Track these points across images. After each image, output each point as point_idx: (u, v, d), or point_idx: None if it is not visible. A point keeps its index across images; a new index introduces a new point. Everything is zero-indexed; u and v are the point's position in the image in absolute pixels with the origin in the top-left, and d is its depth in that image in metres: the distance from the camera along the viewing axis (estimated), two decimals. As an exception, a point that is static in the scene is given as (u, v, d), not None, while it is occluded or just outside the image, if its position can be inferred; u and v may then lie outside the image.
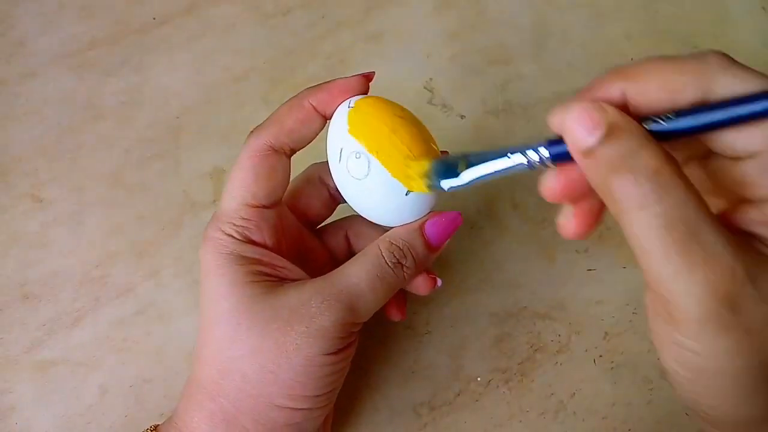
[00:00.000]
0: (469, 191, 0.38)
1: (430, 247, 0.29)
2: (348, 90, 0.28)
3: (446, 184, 0.26)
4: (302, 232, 0.31)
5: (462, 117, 0.40)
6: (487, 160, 0.24)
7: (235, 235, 0.27)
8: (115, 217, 0.37)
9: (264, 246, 0.28)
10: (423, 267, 0.29)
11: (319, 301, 0.26)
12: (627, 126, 0.20)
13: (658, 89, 0.21)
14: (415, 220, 0.29)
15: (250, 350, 0.26)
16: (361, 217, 0.31)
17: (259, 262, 0.27)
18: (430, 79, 0.42)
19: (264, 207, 0.28)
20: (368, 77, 0.29)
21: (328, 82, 0.29)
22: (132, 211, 0.38)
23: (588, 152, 0.20)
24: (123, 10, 0.43)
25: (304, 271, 0.29)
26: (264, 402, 0.26)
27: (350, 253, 0.32)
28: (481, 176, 0.24)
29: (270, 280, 0.27)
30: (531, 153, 0.22)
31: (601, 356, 0.34)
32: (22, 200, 0.38)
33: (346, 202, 0.30)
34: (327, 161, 0.29)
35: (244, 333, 0.26)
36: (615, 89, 0.21)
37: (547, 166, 0.22)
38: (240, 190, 0.28)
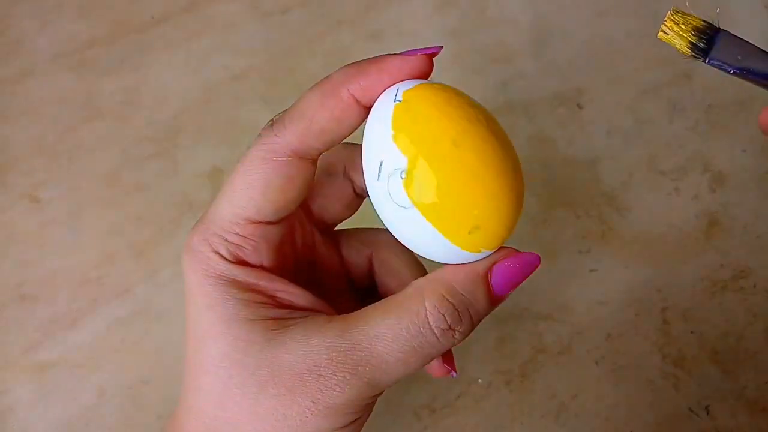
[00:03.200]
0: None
1: (493, 301, 0.21)
2: (402, 74, 0.21)
3: (719, 56, 0.22)
4: (315, 241, 0.25)
5: (462, 116, 0.40)
6: None
7: (225, 254, 0.22)
8: (113, 218, 0.37)
9: (261, 268, 0.22)
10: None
11: (330, 370, 0.20)
12: None
13: None
14: (478, 260, 0.21)
15: (243, 415, 0.21)
16: (392, 243, 0.23)
17: (254, 288, 0.22)
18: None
19: (268, 223, 0.22)
20: (432, 54, 0.22)
21: (372, 60, 0.21)
22: (130, 211, 0.37)
23: None
24: (121, 9, 0.43)
25: (312, 287, 0.23)
26: None
27: (370, 278, 0.26)
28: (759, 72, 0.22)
29: (270, 319, 0.21)
30: None
31: (603, 357, 0.34)
32: (19, 200, 0.37)
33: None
34: (360, 149, 0.22)
35: (238, 392, 0.21)
36: None
37: None
38: (243, 199, 0.22)
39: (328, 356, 0.20)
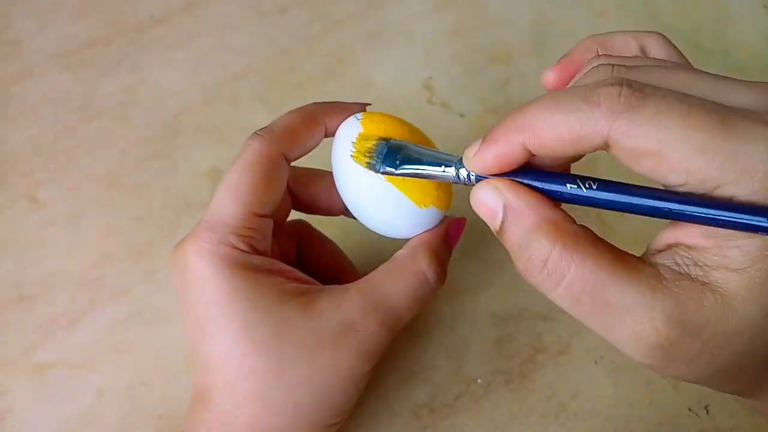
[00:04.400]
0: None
1: (450, 250, 0.29)
2: (351, 112, 0.28)
3: (384, 169, 0.26)
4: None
5: (462, 116, 0.40)
6: (422, 162, 0.25)
7: (245, 248, 0.25)
8: (111, 218, 0.37)
9: (267, 255, 0.26)
10: None
11: (364, 326, 0.25)
12: (521, 209, 0.21)
13: (556, 143, 0.20)
14: (434, 227, 0.28)
15: (300, 379, 0.25)
16: (315, 233, 0.32)
17: (276, 272, 0.26)
18: (430, 77, 0.41)
19: (265, 216, 0.27)
20: (365, 105, 0.29)
21: (336, 102, 0.29)
22: (129, 211, 0.37)
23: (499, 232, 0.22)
24: (119, 9, 0.43)
25: None
26: (318, 426, 0.26)
27: (298, 257, 0.32)
28: (416, 174, 0.25)
29: (297, 295, 0.26)
30: (463, 171, 0.23)
31: (602, 357, 0.34)
32: (18, 201, 0.37)
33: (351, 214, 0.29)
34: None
35: (290, 362, 0.25)
36: (516, 144, 0.21)
37: (474, 184, 0.23)
38: (248, 196, 0.26)
39: (360, 315, 0.25)
